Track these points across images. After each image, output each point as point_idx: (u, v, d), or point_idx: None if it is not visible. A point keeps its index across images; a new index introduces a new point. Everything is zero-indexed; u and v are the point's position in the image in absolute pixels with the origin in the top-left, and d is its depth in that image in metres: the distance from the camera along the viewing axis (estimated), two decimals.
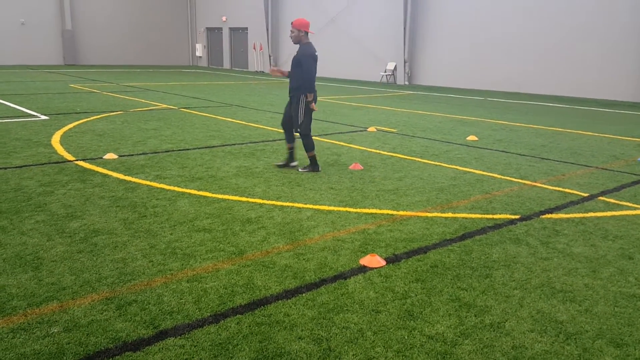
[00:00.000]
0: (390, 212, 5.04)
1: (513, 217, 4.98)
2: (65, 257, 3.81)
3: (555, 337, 2.90)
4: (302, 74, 6.23)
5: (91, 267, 3.65)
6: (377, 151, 8.03)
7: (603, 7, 17.28)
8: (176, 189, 5.66)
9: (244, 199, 5.35)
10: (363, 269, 3.74)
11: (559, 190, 5.98)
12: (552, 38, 18.69)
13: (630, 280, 3.65)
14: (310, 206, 5.16)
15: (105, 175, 6.15)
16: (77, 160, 6.93)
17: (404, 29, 23.03)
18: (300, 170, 6.59)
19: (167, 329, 2.88)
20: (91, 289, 3.32)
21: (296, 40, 6.31)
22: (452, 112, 13.40)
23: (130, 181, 5.93)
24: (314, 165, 6.61)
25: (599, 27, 17.43)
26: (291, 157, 6.79)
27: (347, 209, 5.12)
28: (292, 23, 6.29)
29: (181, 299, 3.22)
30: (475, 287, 3.50)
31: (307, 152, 6.59)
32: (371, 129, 10.23)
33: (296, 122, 6.48)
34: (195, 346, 2.72)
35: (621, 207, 5.37)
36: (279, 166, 6.77)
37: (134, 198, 5.29)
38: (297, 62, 6.28)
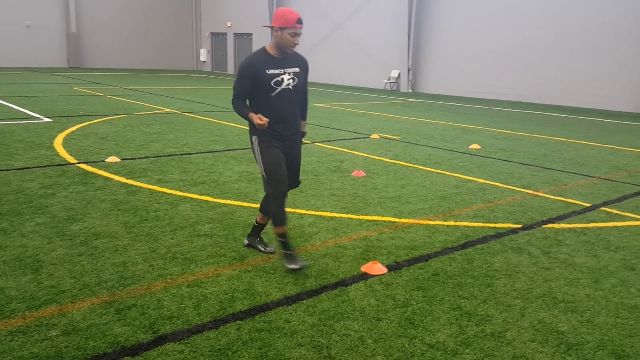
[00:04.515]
0: (392, 219, 5.03)
1: (515, 226, 4.96)
2: (65, 260, 3.80)
3: (557, 348, 2.88)
4: (306, 96, 4.02)
5: (91, 270, 3.64)
6: (380, 158, 8.03)
7: (608, 19, 17.29)
8: (178, 193, 5.66)
9: (246, 204, 5.34)
10: (364, 276, 3.72)
11: (561, 200, 5.96)
12: (556, 49, 18.70)
13: (632, 291, 3.63)
14: (312, 212, 5.15)
15: (107, 179, 6.15)
16: (79, 163, 6.93)
17: (408, 37, 23.08)
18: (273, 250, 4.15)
19: (167, 334, 2.86)
20: (91, 293, 3.31)
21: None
22: (455, 121, 13.39)
23: (132, 185, 5.93)
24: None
25: (604, 39, 17.44)
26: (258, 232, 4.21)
27: (349, 215, 5.11)
28: (301, 21, 3.59)
29: (181, 304, 3.21)
30: (477, 296, 3.48)
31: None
32: (374, 136, 10.22)
33: (298, 173, 4.09)
34: (194, 352, 2.70)
35: (623, 218, 5.35)
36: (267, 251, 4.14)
37: (135, 202, 5.28)
38: (301, 79, 3.84)
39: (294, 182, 4.04)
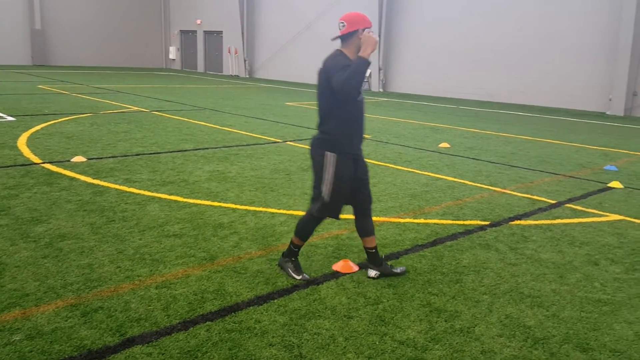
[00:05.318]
0: None
1: (483, 223, 5.05)
2: (29, 262, 3.69)
3: (524, 342, 2.94)
4: None
5: (56, 272, 3.55)
6: None
7: (573, 21, 17.74)
8: (146, 193, 5.57)
9: (216, 203, 5.29)
10: (335, 274, 3.73)
11: (527, 197, 6.09)
12: (523, 49, 19.09)
13: (596, 285, 3.73)
14: (284, 211, 5.14)
15: (72, 179, 6.01)
16: (43, 163, 6.76)
17: (379, 36, 23.23)
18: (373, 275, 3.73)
19: (134, 336, 2.81)
20: (56, 296, 3.22)
21: None
22: (425, 120, 13.54)
23: (99, 185, 5.81)
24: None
25: (569, 40, 17.88)
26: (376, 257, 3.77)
27: None
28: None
29: (149, 305, 3.15)
30: (446, 292, 3.52)
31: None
32: None
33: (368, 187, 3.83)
34: (162, 354, 2.66)
35: (587, 214, 5.50)
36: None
37: (102, 202, 5.17)
38: None
39: (369, 197, 3.76)
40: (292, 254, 3.72)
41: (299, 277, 3.63)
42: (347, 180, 3.52)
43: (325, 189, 3.49)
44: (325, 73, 3.40)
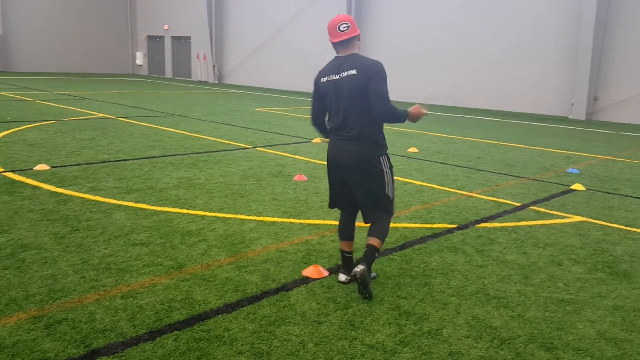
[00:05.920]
0: (333, 222, 5.06)
1: (450, 226, 5.12)
2: None
3: (490, 343, 2.99)
4: None
5: (18, 284, 3.45)
6: (322, 162, 8.07)
7: (535, 26, 18.23)
8: (112, 201, 5.46)
9: (184, 211, 5.23)
10: (305, 280, 3.73)
11: (493, 200, 6.21)
12: (487, 54, 19.52)
13: (560, 285, 3.83)
14: (254, 218, 5.11)
15: (35, 187, 5.85)
16: (5, 171, 6.56)
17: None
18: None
19: (99, 347, 2.75)
20: (18, 308, 3.13)
21: None
22: (393, 125, 13.67)
23: (63, 193, 5.67)
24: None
25: (531, 46, 18.37)
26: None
27: (291, 220, 5.10)
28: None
29: (115, 316, 3.09)
30: (415, 295, 3.56)
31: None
32: (316, 140, 10.27)
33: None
34: None
35: (551, 216, 5.64)
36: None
37: (66, 211, 5.05)
38: None
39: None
40: (373, 259, 3.53)
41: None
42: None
43: (390, 188, 3.56)
44: (365, 74, 3.37)
